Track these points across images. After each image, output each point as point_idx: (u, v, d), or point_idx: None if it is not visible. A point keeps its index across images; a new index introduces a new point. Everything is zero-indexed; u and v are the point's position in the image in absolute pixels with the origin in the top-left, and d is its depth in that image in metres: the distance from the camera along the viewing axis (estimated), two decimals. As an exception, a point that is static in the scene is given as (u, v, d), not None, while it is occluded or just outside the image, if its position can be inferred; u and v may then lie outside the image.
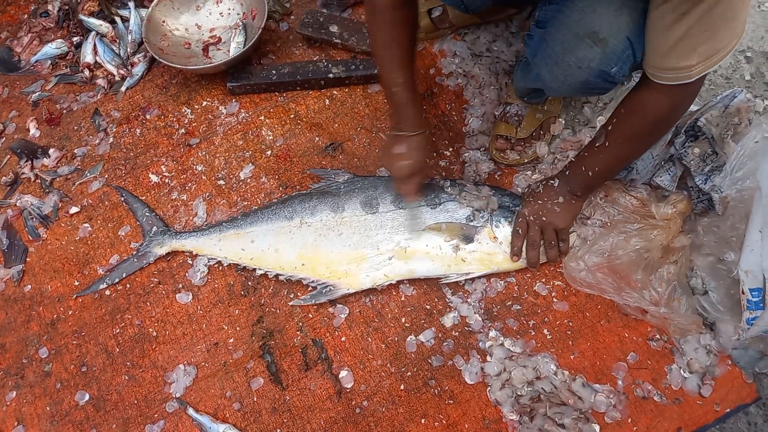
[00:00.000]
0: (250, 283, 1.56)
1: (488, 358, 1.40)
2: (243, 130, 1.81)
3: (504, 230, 1.47)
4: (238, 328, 1.50)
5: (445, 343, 1.43)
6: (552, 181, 1.45)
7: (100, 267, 1.62)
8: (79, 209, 1.72)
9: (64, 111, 1.92)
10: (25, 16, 2.16)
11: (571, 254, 1.46)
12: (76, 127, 1.89)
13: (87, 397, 1.45)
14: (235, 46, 1.90)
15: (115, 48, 2.01)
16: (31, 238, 1.69)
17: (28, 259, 1.66)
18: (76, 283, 1.60)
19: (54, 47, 2.04)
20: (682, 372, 1.36)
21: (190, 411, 1.40)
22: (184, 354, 1.48)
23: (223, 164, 1.76)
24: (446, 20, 1.86)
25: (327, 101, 1.85)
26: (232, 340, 1.49)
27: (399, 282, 1.50)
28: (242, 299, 1.54)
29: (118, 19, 2.06)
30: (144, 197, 1.71)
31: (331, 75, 1.83)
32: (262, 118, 1.83)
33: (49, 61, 2.03)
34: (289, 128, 1.81)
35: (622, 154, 1.34)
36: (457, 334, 1.45)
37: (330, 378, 1.42)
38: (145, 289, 1.57)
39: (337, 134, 1.78)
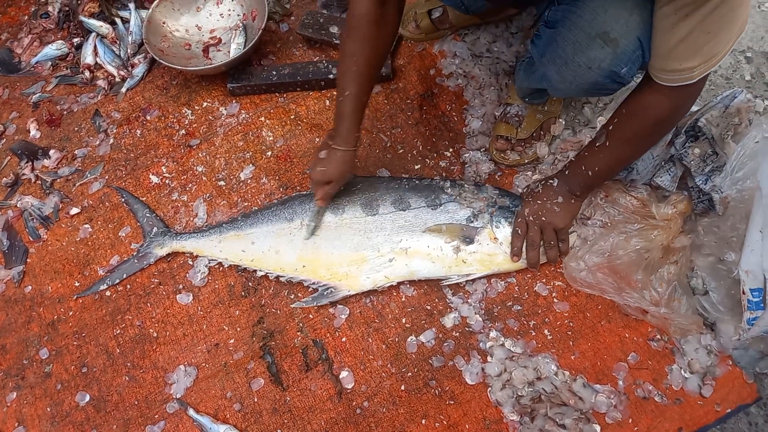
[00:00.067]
0: (250, 284, 1.56)
1: (489, 358, 1.40)
2: (243, 131, 1.82)
3: (504, 231, 1.47)
4: (238, 329, 1.50)
5: (445, 344, 1.43)
6: (551, 181, 1.45)
7: (100, 268, 1.62)
8: (79, 210, 1.72)
9: (65, 112, 1.92)
10: (26, 17, 2.17)
11: (571, 254, 1.46)
12: (76, 128, 1.89)
13: (87, 398, 1.45)
14: (235, 47, 1.91)
15: (115, 49, 2.01)
16: (31, 239, 1.69)
17: (28, 260, 1.66)
18: (77, 284, 1.60)
19: (54, 48, 2.04)
20: (682, 372, 1.36)
21: (191, 412, 1.40)
22: (185, 355, 1.48)
23: (223, 165, 1.76)
24: (446, 21, 1.86)
25: (327, 102, 1.85)
26: (232, 341, 1.49)
27: (399, 283, 1.50)
28: (243, 300, 1.54)
29: (118, 20, 2.06)
30: (144, 198, 1.71)
31: (331, 76, 1.83)
32: (263, 119, 1.83)
33: (50, 63, 2.04)
34: (290, 129, 1.81)
35: (622, 154, 1.34)
36: (457, 334, 1.45)
37: (330, 379, 1.42)
38: (145, 290, 1.57)
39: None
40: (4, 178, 1.80)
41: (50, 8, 2.14)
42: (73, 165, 1.81)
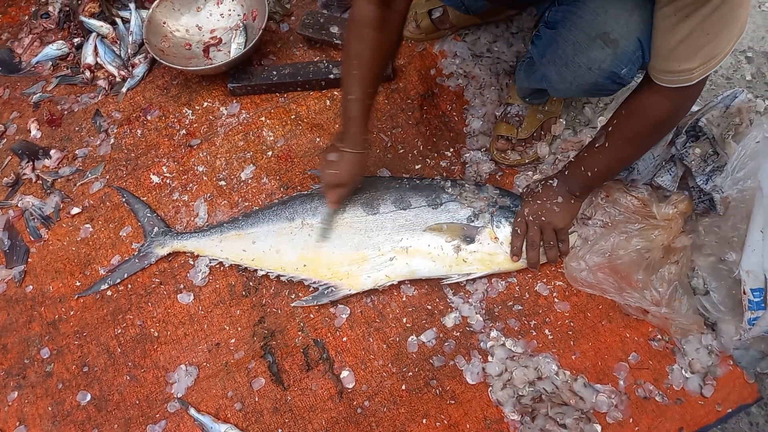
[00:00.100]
0: (251, 283, 1.56)
1: (489, 358, 1.40)
2: (244, 131, 1.82)
3: (505, 230, 1.47)
4: (239, 329, 1.50)
5: (446, 344, 1.43)
6: (551, 181, 1.45)
7: (101, 267, 1.62)
8: (80, 210, 1.72)
9: (65, 112, 1.92)
10: (26, 17, 2.17)
11: (572, 254, 1.46)
12: (77, 128, 1.89)
13: (89, 397, 1.45)
14: (235, 47, 1.91)
15: (115, 49, 2.01)
16: (32, 239, 1.69)
17: (29, 259, 1.66)
18: (78, 284, 1.60)
19: (55, 48, 2.04)
20: (683, 372, 1.36)
21: (192, 411, 1.40)
22: (186, 354, 1.48)
23: (224, 165, 1.76)
24: (447, 21, 1.86)
25: (328, 102, 1.85)
26: (233, 341, 1.49)
27: (400, 282, 1.50)
28: (244, 299, 1.54)
29: (118, 20, 2.06)
30: (145, 198, 1.71)
31: (331, 76, 1.83)
32: (263, 118, 1.84)
33: (50, 63, 2.04)
34: (290, 129, 1.81)
35: (621, 155, 1.34)
36: (458, 334, 1.45)
37: (331, 378, 1.42)
38: (146, 290, 1.57)
39: (336, 133, 1.77)
40: (5, 178, 1.80)
41: (51, 8, 2.14)
42: (74, 165, 1.81)
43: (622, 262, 1.40)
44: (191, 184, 1.73)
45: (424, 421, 1.36)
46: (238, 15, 1.99)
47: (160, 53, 1.87)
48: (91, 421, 1.42)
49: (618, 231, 1.43)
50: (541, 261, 1.47)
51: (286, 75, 1.85)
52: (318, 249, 1.51)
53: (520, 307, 1.47)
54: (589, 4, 1.17)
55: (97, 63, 1.99)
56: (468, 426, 1.35)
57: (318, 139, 1.77)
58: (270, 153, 1.77)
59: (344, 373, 1.42)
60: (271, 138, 1.80)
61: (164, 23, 1.94)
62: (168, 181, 1.75)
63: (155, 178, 1.75)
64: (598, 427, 1.30)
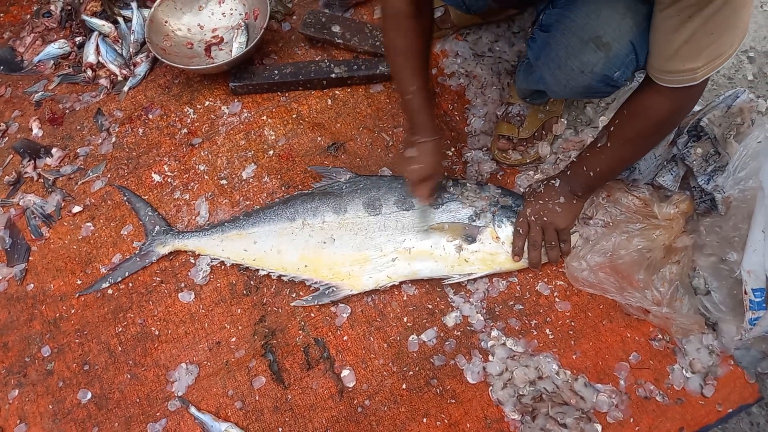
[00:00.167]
0: (252, 282, 1.56)
1: (490, 357, 1.40)
2: (245, 130, 1.82)
3: (506, 230, 1.47)
4: (240, 327, 1.50)
5: (447, 343, 1.43)
6: (553, 181, 1.45)
7: (102, 266, 1.62)
8: (81, 208, 1.72)
9: (67, 111, 1.92)
10: (28, 16, 2.17)
11: (573, 254, 1.46)
12: (78, 127, 1.89)
13: (89, 395, 1.45)
14: (237, 46, 1.91)
15: (117, 48, 2.01)
16: (33, 237, 1.69)
17: (30, 258, 1.66)
18: (79, 282, 1.61)
19: (57, 47, 2.05)
20: (684, 372, 1.36)
21: (192, 410, 1.40)
22: (187, 353, 1.48)
23: (225, 164, 1.76)
24: (448, 20, 1.86)
25: (329, 101, 1.85)
26: (234, 339, 1.49)
27: (401, 282, 1.50)
28: (244, 298, 1.54)
29: (120, 19, 2.06)
30: (146, 197, 1.72)
31: (333, 75, 1.83)
32: (265, 117, 1.84)
33: (52, 61, 2.04)
34: (292, 128, 1.81)
35: (624, 155, 1.34)
36: (459, 333, 1.45)
37: (332, 377, 1.42)
38: (147, 288, 1.57)
39: (339, 134, 1.78)
40: (7, 177, 1.80)
41: (53, 7, 2.14)
42: (76, 163, 1.81)
43: (624, 261, 1.40)
44: (192, 183, 1.73)
45: (424, 420, 1.36)
46: (240, 14, 1.99)
47: (162, 52, 1.87)
48: (92, 419, 1.42)
49: (619, 231, 1.43)
50: (543, 261, 1.47)
51: (288, 74, 1.85)
52: (319, 249, 1.51)
53: (521, 307, 1.46)
54: (581, 7, 1.17)
55: (98, 62, 1.99)
56: (468, 425, 1.35)
57: (319, 138, 1.77)
58: (271, 152, 1.77)
59: (345, 372, 1.42)
60: (273, 137, 1.80)
61: (166, 22, 1.95)
62: (169, 180, 1.75)
63: (156, 177, 1.75)
64: (599, 427, 1.30)
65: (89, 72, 1.97)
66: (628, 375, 1.36)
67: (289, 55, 1.96)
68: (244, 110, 1.86)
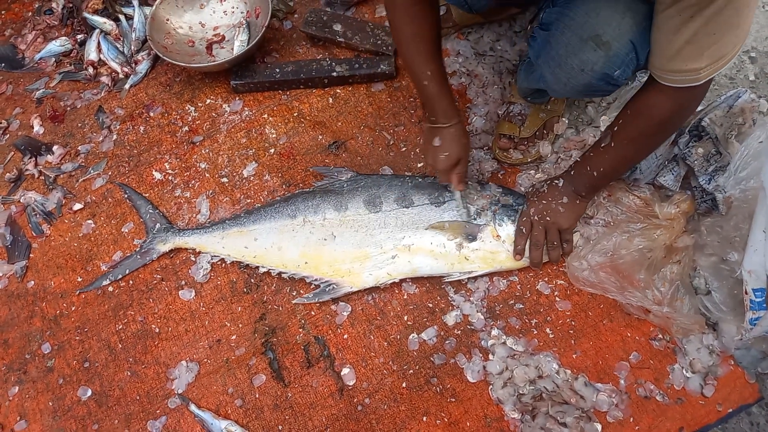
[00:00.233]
0: (252, 280, 1.56)
1: (490, 356, 1.40)
2: (246, 128, 1.82)
3: (507, 229, 1.47)
4: (240, 325, 1.50)
5: (447, 341, 1.43)
6: (556, 181, 1.45)
7: (103, 263, 1.62)
8: (82, 206, 1.72)
9: (68, 108, 1.93)
10: (30, 13, 2.17)
11: (574, 253, 1.46)
12: (79, 125, 1.89)
13: (89, 392, 1.45)
14: (238, 45, 1.91)
15: (119, 46, 2.02)
16: (34, 235, 1.70)
17: (31, 255, 1.67)
18: (79, 280, 1.61)
19: (58, 45, 2.05)
20: (684, 372, 1.35)
21: (192, 407, 1.40)
22: (187, 350, 1.48)
23: (226, 162, 1.76)
24: (450, 19, 1.86)
25: (330, 99, 1.85)
26: (234, 337, 1.49)
27: (401, 280, 1.50)
28: (245, 296, 1.54)
29: (122, 17, 2.07)
30: (147, 194, 1.72)
31: (334, 73, 1.83)
32: (266, 116, 1.84)
33: (53, 59, 2.04)
34: (293, 126, 1.81)
35: (627, 154, 1.34)
36: (459, 332, 1.45)
37: (332, 375, 1.42)
38: (147, 286, 1.58)
39: (340, 132, 1.78)
40: (8, 174, 1.80)
41: (54, 5, 2.14)
42: (77, 161, 1.81)
43: (624, 261, 1.40)
44: (193, 181, 1.73)
45: (424, 418, 1.36)
46: (242, 12, 1.99)
47: (163, 50, 1.87)
48: (92, 416, 1.43)
49: (620, 230, 1.43)
50: (544, 260, 1.47)
51: (289, 72, 1.85)
52: (320, 246, 1.51)
53: (521, 306, 1.46)
54: (581, 6, 1.17)
55: (100, 59, 2.00)
56: (468, 424, 1.35)
57: (320, 137, 1.77)
58: (272, 150, 1.77)
59: (345, 371, 1.42)
60: (274, 135, 1.80)
61: (167, 20, 1.95)
62: (170, 178, 1.75)
63: (157, 175, 1.75)
64: (599, 426, 1.30)
65: (90, 69, 1.97)
66: (628, 374, 1.36)
67: (291, 54, 1.96)
68: (246, 108, 1.86)
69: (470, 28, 1.90)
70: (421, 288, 1.51)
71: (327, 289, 1.48)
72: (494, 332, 1.43)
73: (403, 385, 1.40)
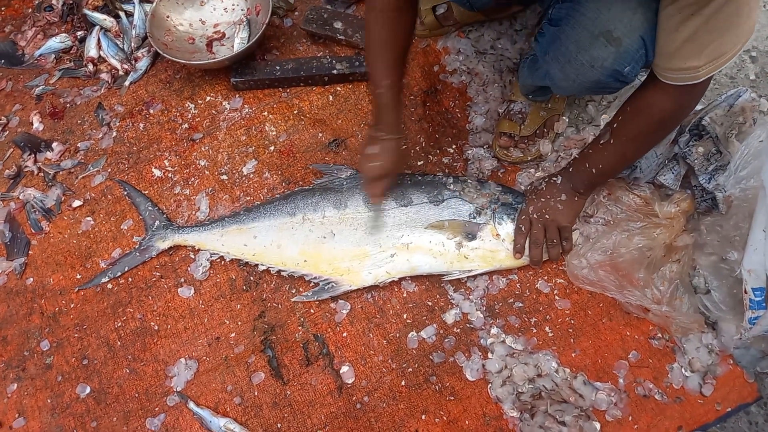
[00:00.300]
0: (252, 278, 1.56)
1: (489, 354, 1.40)
2: (246, 126, 1.81)
3: (507, 227, 1.47)
4: (239, 323, 1.50)
5: (446, 340, 1.43)
6: (555, 178, 1.45)
7: (102, 260, 1.62)
8: (81, 203, 1.72)
9: (68, 105, 1.92)
10: (30, 10, 2.16)
11: (573, 252, 1.46)
12: (79, 121, 1.89)
13: (88, 390, 1.45)
14: (239, 42, 1.90)
15: (119, 42, 2.01)
16: (33, 231, 1.69)
17: (30, 252, 1.66)
18: (78, 277, 1.60)
19: (58, 41, 2.04)
20: (683, 371, 1.35)
21: (191, 405, 1.40)
22: (186, 348, 1.48)
23: (226, 159, 1.76)
24: (451, 17, 1.86)
25: (330, 97, 1.85)
26: (233, 335, 1.49)
27: (401, 278, 1.50)
28: (244, 294, 1.54)
29: (122, 13, 2.06)
30: (147, 191, 1.71)
31: (334, 71, 1.83)
32: (266, 113, 1.83)
33: (53, 55, 2.04)
34: (293, 124, 1.81)
35: (626, 152, 1.34)
36: (458, 330, 1.44)
37: (331, 373, 1.42)
38: (147, 283, 1.57)
39: (340, 130, 1.78)
40: (7, 170, 1.80)
41: (54, 1, 2.13)
42: (76, 158, 1.81)
43: (624, 260, 1.40)
44: (193, 178, 1.73)
45: (423, 417, 1.36)
46: (242, 10, 1.99)
47: (164, 47, 1.86)
48: (90, 413, 1.42)
49: (620, 229, 1.43)
50: (544, 259, 1.47)
51: (289, 70, 1.85)
52: (319, 244, 1.51)
53: (520, 304, 1.46)
54: (592, 1, 1.17)
55: (100, 56, 1.99)
56: (467, 422, 1.35)
57: (320, 135, 1.77)
58: (272, 148, 1.76)
59: (344, 369, 1.42)
60: (274, 133, 1.79)
61: (168, 17, 1.94)
62: (170, 175, 1.75)
63: (157, 172, 1.75)
64: (598, 425, 1.30)
65: (90, 66, 1.97)
66: (627, 373, 1.36)
67: (291, 51, 1.95)
68: (246, 106, 1.85)
69: (471, 26, 1.90)
70: (421, 286, 1.51)
71: (326, 288, 1.48)
72: (493, 331, 1.43)
73: (402, 383, 1.40)
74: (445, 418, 1.35)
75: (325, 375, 1.42)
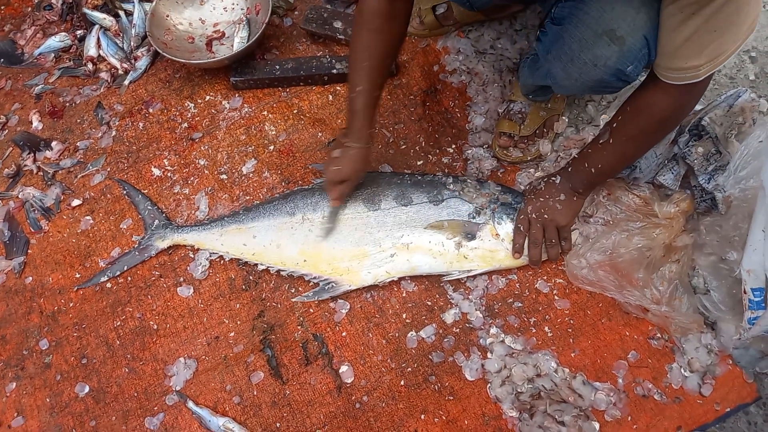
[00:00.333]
0: (251, 277, 1.56)
1: (489, 354, 1.40)
2: (246, 125, 1.81)
3: (506, 227, 1.47)
4: (238, 322, 1.50)
5: (445, 340, 1.43)
6: (554, 178, 1.45)
7: (101, 260, 1.62)
8: (81, 202, 1.72)
9: (67, 104, 1.92)
10: (29, 8, 2.16)
11: (573, 252, 1.46)
12: (78, 120, 1.89)
13: (87, 389, 1.45)
14: (238, 41, 1.90)
15: (118, 42, 2.01)
16: (32, 230, 1.69)
17: (29, 251, 1.66)
18: (77, 276, 1.60)
19: (57, 40, 2.04)
20: (682, 371, 1.35)
21: (190, 404, 1.40)
22: (185, 347, 1.48)
23: (225, 159, 1.75)
24: (451, 17, 1.86)
25: (330, 97, 1.85)
26: (232, 334, 1.49)
27: (400, 278, 1.50)
28: (243, 293, 1.54)
29: (121, 12, 2.06)
30: (146, 191, 1.71)
31: (334, 71, 1.83)
32: (265, 113, 1.83)
33: (53, 54, 2.04)
34: (292, 123, 1.81)
35: (626, 151, 1.34)
36: (457, 330, 1.44)
37: (330, 373, 1.42)
38: (146, 282, 1.57)
39: (340, 130, 1.78)
40: (6, 169, 1.80)
41: (54, 0, 2.13)
42: (75, 157, 1.81)
43: (623, 260, 1.40)
44: (192, 178, 1.73)
45: (422, 416, 1.36)
46: (242, 9, 1.98)
47: (163, 46, 1.86)
48: (89, 412, 1.42)
49: (619, 229, 1.43)
50: (543, 258, 1.47)
51: (289, 69, 1.85)
52: (318, 244, 1.51)
53: (520, 304, 1.46)
54: (595, 0, 1.17)
55: (99, 55, 1.99)
56: (466, 422, 1.34)
57: (320, 134, 1.77)
58: (272, 147, 1.76)
59: (343, 368, 1.42)
60: (273, 132, 1.79)
61: (167, 16, 1.94)
62: (169, 174, 1.74)
63: (156, 171, 1.75)
64: (597, 425, 1.30)
65: (90, 65, 1.97)
66: (626, 373, 1.36)
67: (291, 51, 1.95)
68: (245, 105, 1.85)
69: (471, 26, 1.90)
70: (420, 286, 1.51)
71: (326, 288, 1.48)
72: (493, 330, 1.43)
73: (402, 383, 1.40)
74: (444, 418, 1.35)
75: (325, 374, 1.42)
